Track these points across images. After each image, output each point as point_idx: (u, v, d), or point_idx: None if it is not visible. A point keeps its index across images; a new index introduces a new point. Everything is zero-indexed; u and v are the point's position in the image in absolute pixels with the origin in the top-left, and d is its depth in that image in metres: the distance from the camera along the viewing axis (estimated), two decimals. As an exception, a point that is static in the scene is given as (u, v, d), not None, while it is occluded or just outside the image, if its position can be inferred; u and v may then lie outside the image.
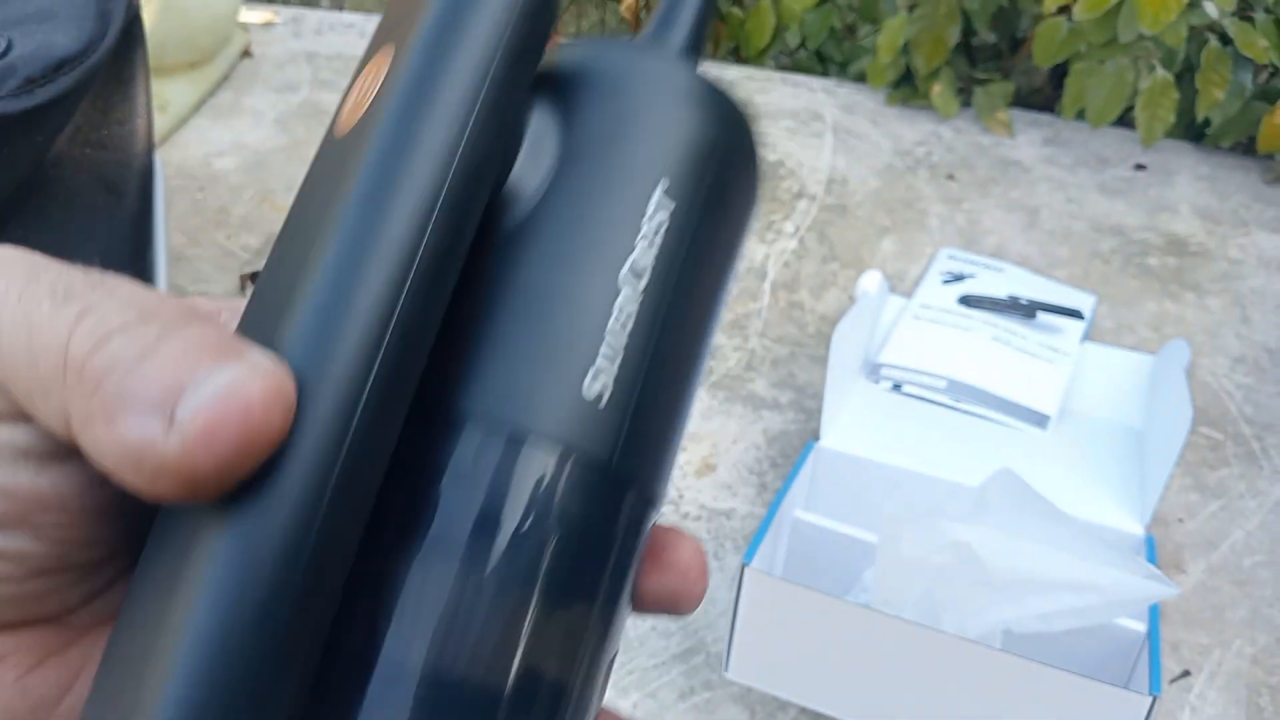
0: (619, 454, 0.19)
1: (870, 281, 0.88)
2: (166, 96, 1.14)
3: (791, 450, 0.85)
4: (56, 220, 0.67)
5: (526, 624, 0.18)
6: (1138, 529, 0.70)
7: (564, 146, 0.20)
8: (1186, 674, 0.71)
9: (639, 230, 0.19)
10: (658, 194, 0.20)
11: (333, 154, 0.18)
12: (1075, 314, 0.95)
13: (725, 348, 0.93)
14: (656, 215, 0.20)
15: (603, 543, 0.19)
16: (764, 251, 1.03)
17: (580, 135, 0.20)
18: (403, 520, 0.18)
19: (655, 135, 0.20)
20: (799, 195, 1.10)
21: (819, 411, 0.78)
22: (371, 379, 0.16)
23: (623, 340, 0.19)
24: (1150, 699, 0.52)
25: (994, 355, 0.88)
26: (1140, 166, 1.16)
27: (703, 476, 0.82)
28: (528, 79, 0.19)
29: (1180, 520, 0.81)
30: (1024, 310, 0.94)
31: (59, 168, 0.66)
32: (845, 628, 0.58)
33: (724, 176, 0.21)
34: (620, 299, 0.19)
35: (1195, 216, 1.10)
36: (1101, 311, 0.99)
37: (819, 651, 0.59)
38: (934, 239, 1.06)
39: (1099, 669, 0.54)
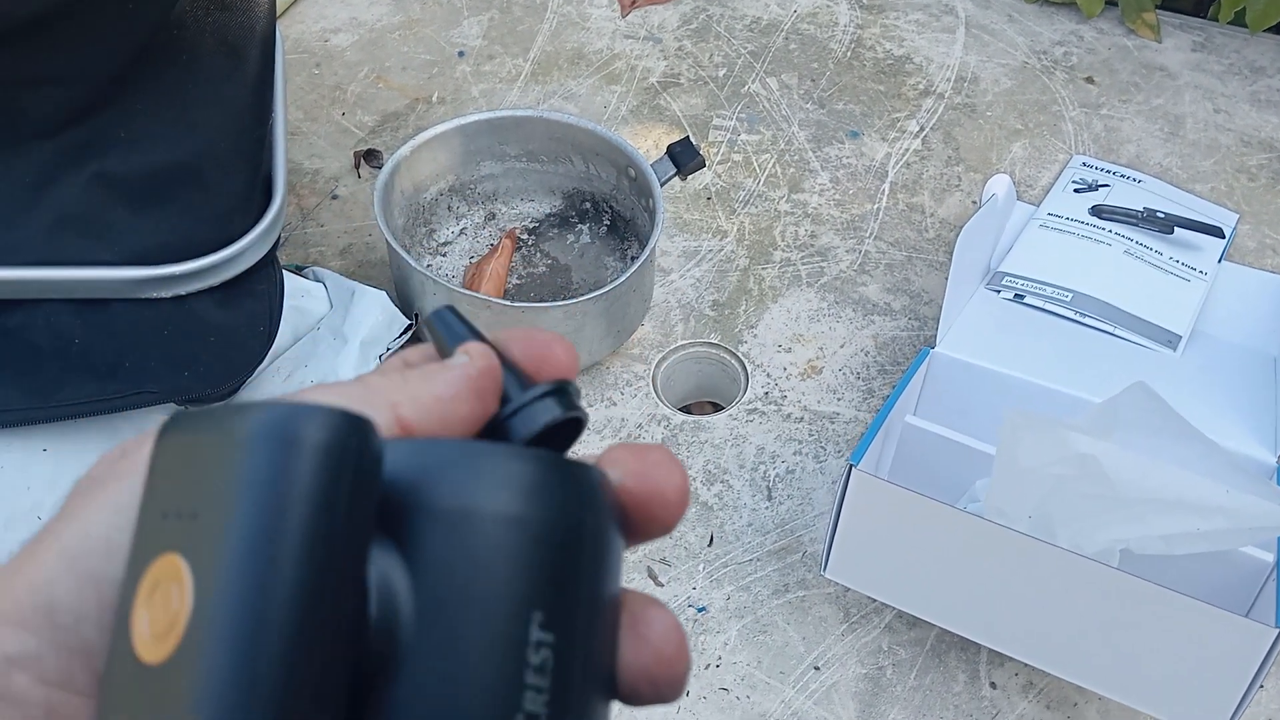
0: None
1: (999, 185, 0.83)
2: (286, -31, 1.13)
3: (902, 357, 0.83)
4: (178, 83, 0.67)
5: None
6: (1269, 457, 0.66)
7: (419, 594, 0.18)
8: (1308, 611, 0.68)
9: (523, 685, 0.18)
10: (534, 632, 0.19)
11: (150, 682, 0.17)
12: (1216, 231, 0.90)
13: (839, 249, 0.90)
14: (540, 653, 0.19)
15: None
16: (885, 151, 0.99)
17: (434, 583, 0.19)
18: None
19: (513, 568, 0.19)
20: (925, 93, 1.05)
21: (933, 319, 0.75)
22: None
23: None
24: (1277, 631, 0.50)
25: (1125, 270, 0.83)
26: (1299, 78, 1.08)
27: (807, 379, 0.81)
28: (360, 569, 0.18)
29: (1314, 453, 0.77)
30: (1160, 225, 0.89)
31: (181, 29, 0.66)
32: (952, 535, 0.56)
33: (590, 561, 0.20)
34: None
35: (1356, 134, 1.02)
36: (1243, 230, 0.93)
37: (922, 558, 0.58)
38: (1068, 145, 1.00)
39: (1218, 598, 0.52)
